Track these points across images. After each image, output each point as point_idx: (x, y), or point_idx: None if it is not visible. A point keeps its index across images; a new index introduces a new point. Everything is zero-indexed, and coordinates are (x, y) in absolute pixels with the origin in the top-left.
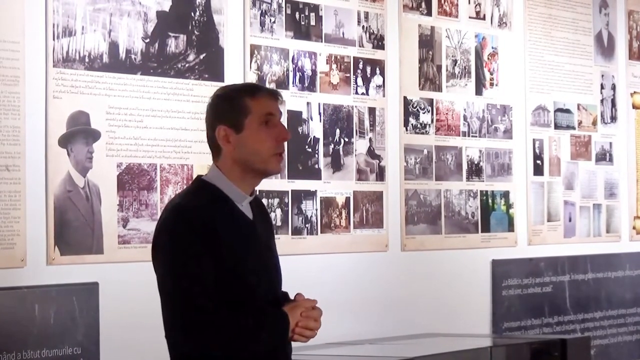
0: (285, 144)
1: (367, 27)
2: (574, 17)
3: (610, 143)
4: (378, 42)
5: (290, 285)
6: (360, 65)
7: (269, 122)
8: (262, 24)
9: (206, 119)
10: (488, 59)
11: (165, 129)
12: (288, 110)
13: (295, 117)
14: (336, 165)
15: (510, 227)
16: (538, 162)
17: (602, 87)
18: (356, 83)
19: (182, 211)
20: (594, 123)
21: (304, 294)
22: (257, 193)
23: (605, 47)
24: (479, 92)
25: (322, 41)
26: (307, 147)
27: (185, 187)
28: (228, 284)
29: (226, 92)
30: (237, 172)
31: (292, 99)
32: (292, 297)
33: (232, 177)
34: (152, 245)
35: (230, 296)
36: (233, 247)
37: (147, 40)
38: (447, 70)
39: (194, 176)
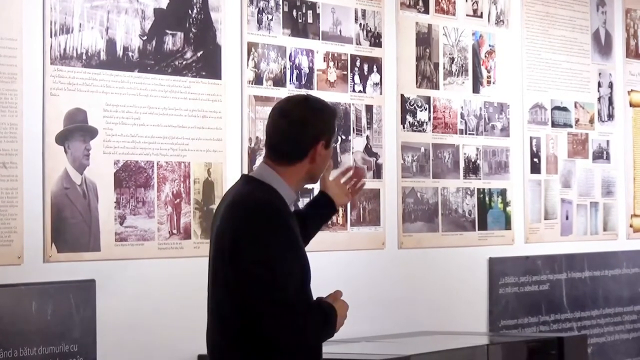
0: None
1: (364, 25)
2: (572, 15)
3: (608, 141)
4: (375, 39)
5: None
6: (358, 63)
7: None
8: (260, 22)
9: (304, 124)
10: (485, 56)
11: (163, 127)
12: None
13: None
14: (333, 162)
15: (507, 225)
16: (535, 160)
17: (599, 85)
18: (353, 81)
19: (267, 204)
20: (591, 121)
21: None
22: None
23: (602, 45)
24: (476, 90)
25: (319, 39)
26: None
27: (234, 184)
28: (302, 280)
29: (327, 107)
30: (298, 180)
31: None
32: None
33: (290, 182)
34: (232, 238)
35: (303, 290)
36: (300, 243)
37: (145, 38)
38: (444, 68)
39: (191, 173)
